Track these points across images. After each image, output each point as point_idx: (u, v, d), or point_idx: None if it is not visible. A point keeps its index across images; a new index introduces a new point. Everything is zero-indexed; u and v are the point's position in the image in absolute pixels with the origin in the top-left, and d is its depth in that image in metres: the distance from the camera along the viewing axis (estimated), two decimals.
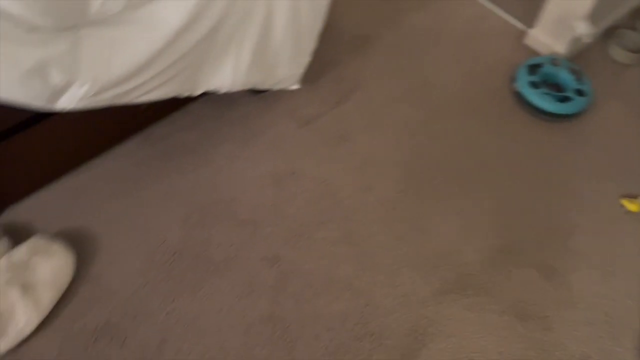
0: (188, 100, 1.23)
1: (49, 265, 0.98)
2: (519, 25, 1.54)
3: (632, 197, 1.22)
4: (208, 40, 1.01)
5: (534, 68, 1.39)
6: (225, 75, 1.11)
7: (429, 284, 1.08)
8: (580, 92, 1.35)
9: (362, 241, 1.12)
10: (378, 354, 0.98)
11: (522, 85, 1.36)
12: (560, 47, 1.44)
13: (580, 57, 1.47)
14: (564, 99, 1.33)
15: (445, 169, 1.26)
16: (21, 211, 1.09)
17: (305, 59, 1.25)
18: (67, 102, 0.87)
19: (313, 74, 1.35)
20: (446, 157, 1.28)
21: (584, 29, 1.37)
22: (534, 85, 1.35)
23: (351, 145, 1.28)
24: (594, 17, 1.38)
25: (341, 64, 1.43)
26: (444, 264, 1.11)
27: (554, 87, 1.38)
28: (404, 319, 1.03)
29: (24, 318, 0.93)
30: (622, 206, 1.21)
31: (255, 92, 1.33)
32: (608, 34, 1.52)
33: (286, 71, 1.23)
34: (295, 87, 1.31)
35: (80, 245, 1.05)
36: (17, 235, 1.05)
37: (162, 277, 1.04)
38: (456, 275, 1.10)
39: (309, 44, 1.23)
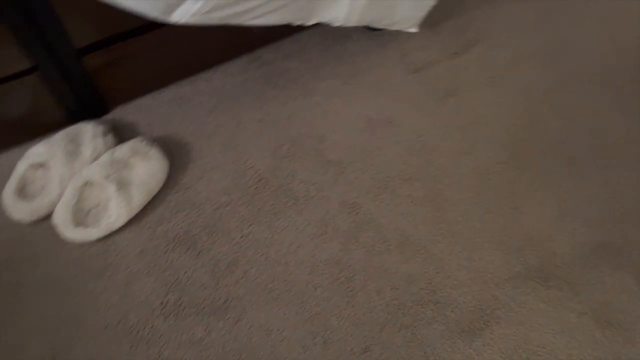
0: (299, 28, 1.20)
1: (145, 168, 1.04)
2: None
3: None
4: None
5: None
6: (342, 8, 1.06)
7: (509, 266, 1.02)
8: None
9: (447, 207, 1.07)
10: (438, 323, 0.96)
11: None
12: None
13: None
14: None
15: (559, 145, 1.14)
16: (127, 112, 1.15)
17: (430, 1, 1.15)
18: (180, 16, 0.87)
19: (434, 18, 1.26)
20: (563, 132, 1.16)
21: None
22: None
23: (459, 102, 1.19)
24: None
25: (468, 12, 1.31)
26: (531, 249, 1.03)
27: None
28: (474, 295, 0.99)
29: (116, 212, 1.00)
30: None
31: (369, 30, 1.26)
32: None
33: (407, 12, 1.15)
34: (413, 30, 1.23)
35: (176, 154, 1.11)
36: (121, 134, 1.12)
37: (245, 200, 1.07)
38: (541, 263, 1.02)
39: None
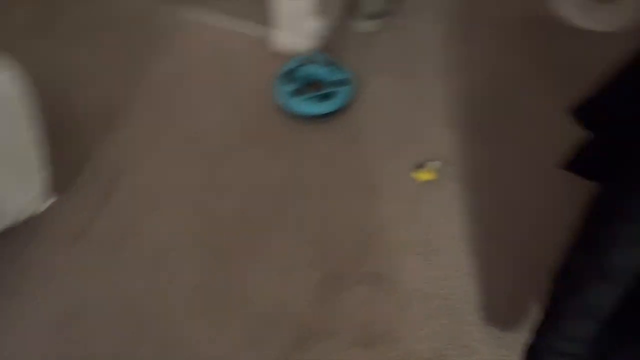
0: None
1: None
2: (260, 34, 1.46)
3: (419, 166, 1.20)
4: None
5: (289, 75, 1.32)
6: None
7: (264, 357, 0.97)
8: (341, 82, 1.31)
9: (177, 353, 0.98)
10: None
11: (282, 98, 1.29)
12: (306, 44, 1.39)
13: (332, 44, 1.44)
14: (327, 96, 1.28)
15: (239, 224, 1.15)
16: None
17: (36, 176, 1.07)
18: None
19: (66, 178, 1.18)
20: (237, 211, 1.17)
21: (314, 26, 1.34)
22: (297, 92, 1.28)
23: (136, 242, 1.12)
24: (324, 6, 1.35)
25: (93, 153, 1.25)
26: (275, 326, 1.01)
27: (318, 86, 1.32)
28: None
29: None
30: (415, 180, 1.19)
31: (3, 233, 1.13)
32: (350, 9, 1.50)
33: (19, 201, 1.05)
34: (47, 204, 1.13)
35: None
36: None
37: None
38: (291, 331, 1.00)
39: (32, 161, 1.05)
